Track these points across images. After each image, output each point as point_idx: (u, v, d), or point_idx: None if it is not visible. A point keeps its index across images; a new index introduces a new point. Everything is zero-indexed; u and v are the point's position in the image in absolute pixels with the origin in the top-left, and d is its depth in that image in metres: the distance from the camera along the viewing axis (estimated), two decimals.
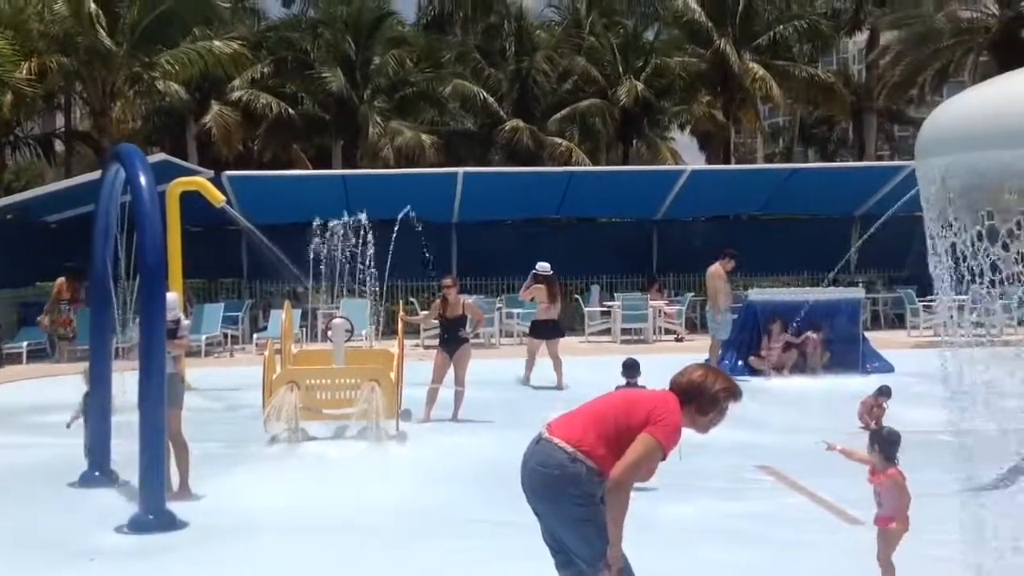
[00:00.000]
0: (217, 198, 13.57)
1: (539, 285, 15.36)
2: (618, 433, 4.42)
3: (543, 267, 15.52)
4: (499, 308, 21.03)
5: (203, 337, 18.62)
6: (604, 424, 4.46)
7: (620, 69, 35.09)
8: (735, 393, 4.68)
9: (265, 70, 33.95)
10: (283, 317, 12.14)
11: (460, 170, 22.40)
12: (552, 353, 14.92)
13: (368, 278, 14.73)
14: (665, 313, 21.66)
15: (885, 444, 5.60)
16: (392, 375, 10.43)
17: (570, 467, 4.39)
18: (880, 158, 43.12)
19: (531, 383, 14.75)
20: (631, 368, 9.13)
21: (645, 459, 4.39)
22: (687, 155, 43.65)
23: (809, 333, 15.74)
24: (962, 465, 4.76)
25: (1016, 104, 4.01)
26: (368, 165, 32.90)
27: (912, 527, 6.77)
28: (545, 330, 15.22)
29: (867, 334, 16.87)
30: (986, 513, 4.74)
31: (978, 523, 4.70)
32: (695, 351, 16.75)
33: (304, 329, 18.91)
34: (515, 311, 20.85)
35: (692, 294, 22.17)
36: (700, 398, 4.59)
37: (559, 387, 14.30)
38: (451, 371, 12.04)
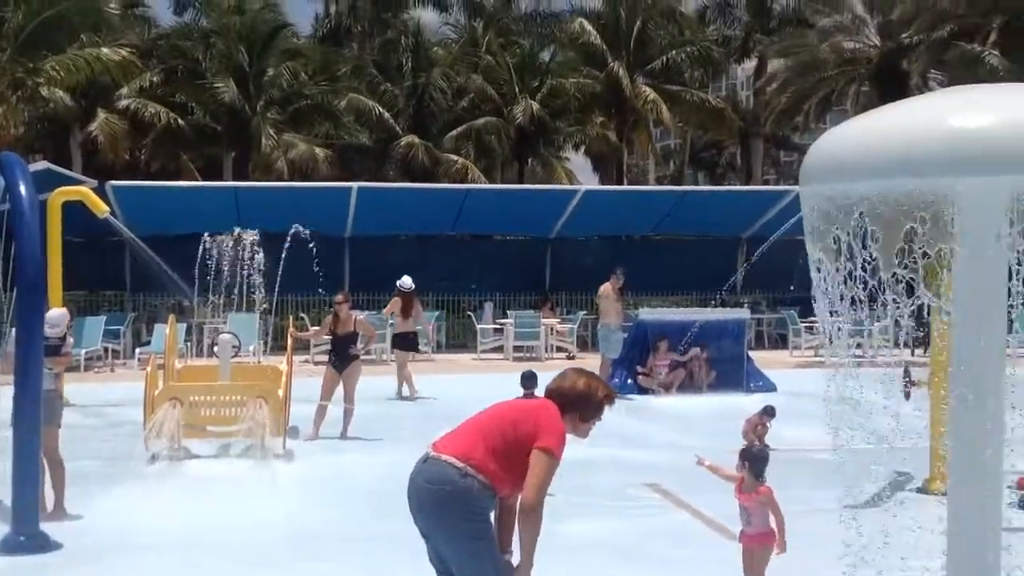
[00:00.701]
0: (100, 208, 13.20)
1: (396, 299, 15.63)
2: (506, 445, 4.41)
3: (405, 283, 15.89)
4: (391, 324, 20.91)
5: (83, 351, 18.05)
6: (492, 438, 4.44)
7: (516, 88, 35.35)
8: (613, 399, 4.76)
9: (155, 79, 33.12)
10: (167, 331, 11.84)
11: (354, 185, 22.26)
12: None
13: (257, 292, 14.50)
14: (557, 331, 21.82)
15: (755, 461, 5.60)
16: (280, 392, 10.26)
17: (461, 483, 4.36)
18: (767, 182, 44.37)
19: (414, 396, 14.93)
20: (529, 379, 9.22)
21: (549, 475, 4.43)
22: (581, 175, 44.17)
23: (696, 350, 16.05)
24: (841, 482, 4.88)
25: (887, 137, 4.13)
26: (260, 177, 32.42)
27: (793, 544, 6.94)
28: (403, 343, 15.71)
29: (751, 353, 17.27)
30: (864, 530, 4.86)
31: (857, 540, 4.82)
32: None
33: (189, 344, 18.49)
34: None
35: (584, 312, 22.39)
36: (585, 406, 4.61)
37: (405, 397, 14.96)
38: (340, 388, 11.91)
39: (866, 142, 4.22)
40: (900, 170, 4.08)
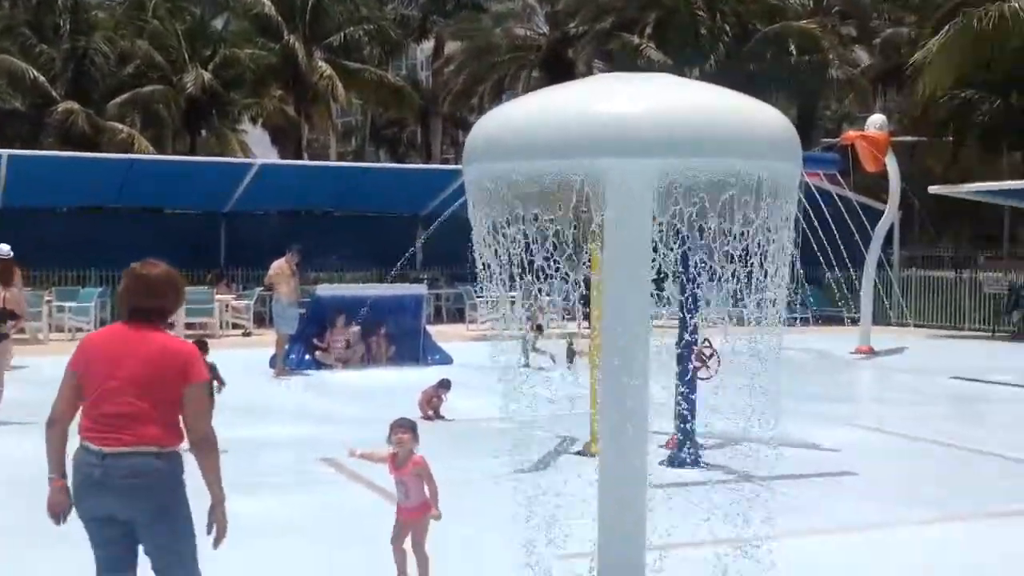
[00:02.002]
0: None
1: None
2: (163, 403, 4.13)
3: (2, 249, 14.89)
4: (48, 301, 19.59)
5: None
6: (149, 401, 4.11)
7: (186, 56, 33.92)
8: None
9: None
10: None
11: (5, 152, 20.57)
12: None
13: None
14: (233, 307, 21.24)
15: (416, 430, 5.63)
16: None
17: (163, 466, 4.08)
18: (446, 161, 45.23)
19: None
20: (201, 347, 9.09)
21: (209, 404, 4.36)
22: (259, 149, 43.09)
23: (381, 329, 16.21)
24: (512, 450, 5.10)
25: (536, 121, 4.35)
26: None
27: (464, 511, 7.19)
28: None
29: (429, 328, 17.64)
30: (534, 494, 5.10)
31: (527, 504, 5.05)
32: (263, 345, 16.63)
33: None
34: (67, 304, 19.51)
35: (261, 288, 21.93)
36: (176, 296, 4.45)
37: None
38: None
39: (517, 125, 4.43)
40: (547, 152, 4.31)
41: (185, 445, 4.18)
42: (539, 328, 13.76)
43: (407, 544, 5.59)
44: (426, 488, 5.55)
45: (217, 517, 4.22)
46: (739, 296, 4.89)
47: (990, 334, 23.12)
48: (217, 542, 4.25)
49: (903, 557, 6.24)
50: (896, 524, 7.06)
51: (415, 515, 5.54)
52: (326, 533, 6.77)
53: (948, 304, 25.04)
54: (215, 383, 9.82)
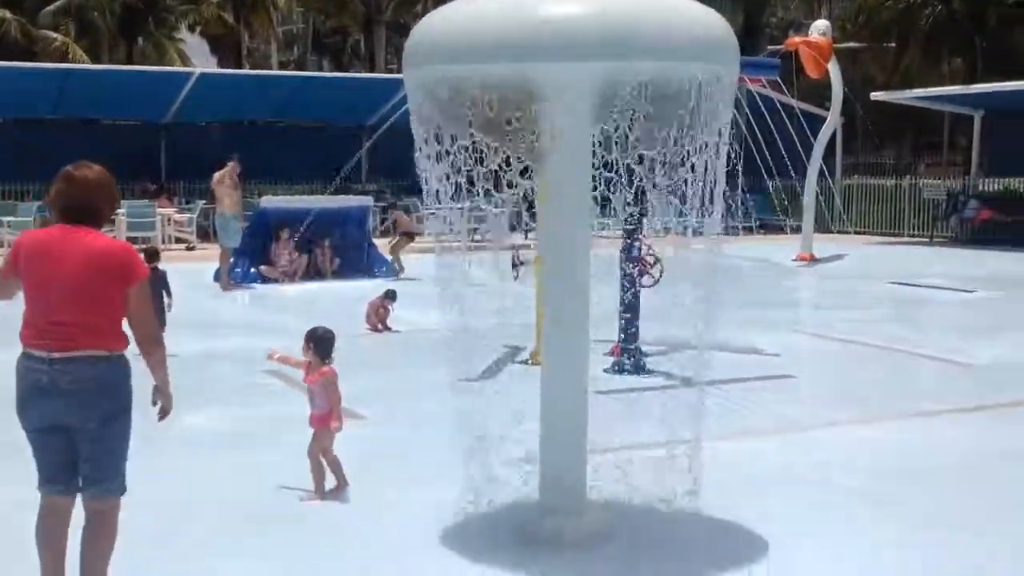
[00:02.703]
0: None
1: None
2: (107, 305, 4.09)
3: None
4: None
5: None
6: (96, 310, 4.07)
7: None
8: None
9: None
10: None
11: None
12: None
13: None
14: (175, 221, 20.97)
15: (320, 343, 5.66)
16: None
17: (106, 367, 4.05)
18: (390, 70, 44.50)
19: None
20: (152, 256, 9.26)
21: (150, 301, 4.34)
22: (198, 59, 42.04)
23: (326, 241, 16.12)
24: (457, 360, 5.16)
25: (478, 22, 4.30)
26: None
27: (409, 419, 7.29)
28: None
29: (375, 240, 17.58)
30: (475, 401, 5.20)
31: (469, 411, 5.14)
32: (207, 259, 16.49)
33: None
34: (5, 219, 19.19)
35: (204, 202, 21.66)
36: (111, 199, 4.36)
37: None
38: None
39: (458, 28, 4.37)
40: (492, 55, 4.27)
41: (133, 349, 4.16)
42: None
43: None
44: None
45: (162, 397, 4.25)
46: (682, 205, 4.95)
47: (928, 240, 23.56)
48: (162, 417, 4.28)
49: (838, 456, 6.45)
50: (833, 425, 7.28)
51: (321, 423, 5.63)
52: (275, 444, 6.82)
53: (888, 211, 25.43)
54: (167, 298, 9.81)
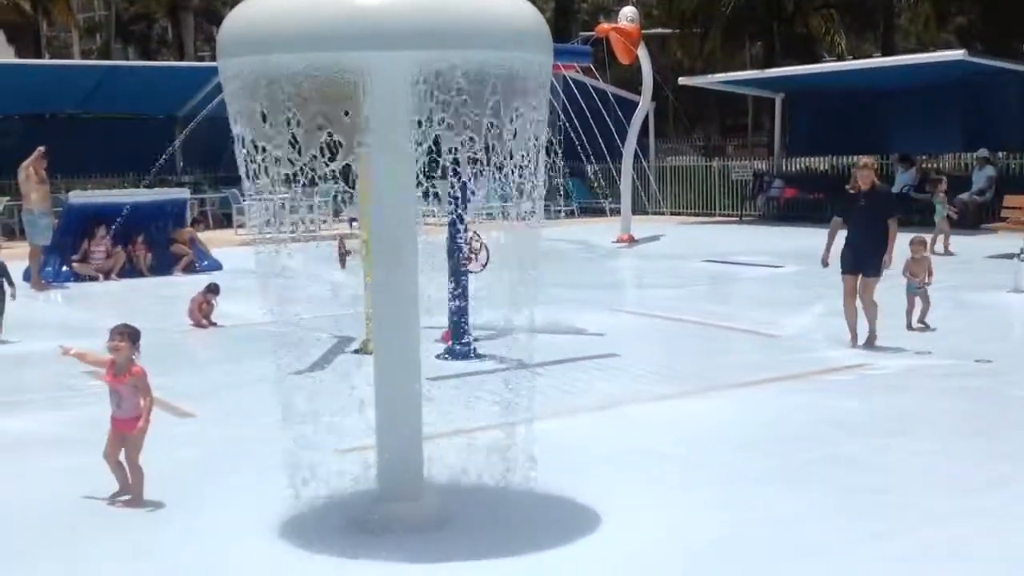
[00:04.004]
0: None
1: None
2: None
3: None
4: None
5: None
6: None
7: None
8: None
9: None
10: None
11: None
12: None
13: None
14: None
15: (136, 337, 5.41)
16: None
17: None
18: (200, 58, 43.14)
19: None
20: None
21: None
22: None
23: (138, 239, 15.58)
24: (287, 352, 5.12)
25: (292, 8, 4.27)
26: None
27: (238, 413, 7.17)
28: None
29: (196, 234, 17.11)
30: (306, 393, 5.17)
31: (299, 403, 5.12)
32: (15, 258, 15.65)
33: None
34: None
35: (8, 198, 20.55)
36: None
37: None
38: None
39: (275, 15, 4.32)
40: (307, 44, 4.25)
41: None
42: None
43: (121, 456, 5.43)
44: (142, 401, 5.36)
45: None
46: (506, 191, 5.06)
47: (738, 219, 24.63)
48: None
49: (663, 428, 6.73)
50: (656, 399, 7.58)
51: (127, 427, 5.35)
52: (94, 446, 6.61)
53: (700, 192, 26.44)
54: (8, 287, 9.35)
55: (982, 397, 7.54)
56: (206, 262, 16.20)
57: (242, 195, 21.95)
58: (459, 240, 8.49)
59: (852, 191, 9.16)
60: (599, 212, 24.65)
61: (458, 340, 8.79)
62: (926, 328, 9.73)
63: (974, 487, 5.48)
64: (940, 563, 4.48)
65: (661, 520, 5.05)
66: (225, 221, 22.94)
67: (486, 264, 10.53)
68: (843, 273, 9.11)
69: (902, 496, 5.37)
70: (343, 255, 13.81)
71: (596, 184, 24.37)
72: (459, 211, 7.86)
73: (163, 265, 15.82)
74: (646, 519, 5.05)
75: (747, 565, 4.51)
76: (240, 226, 21.47)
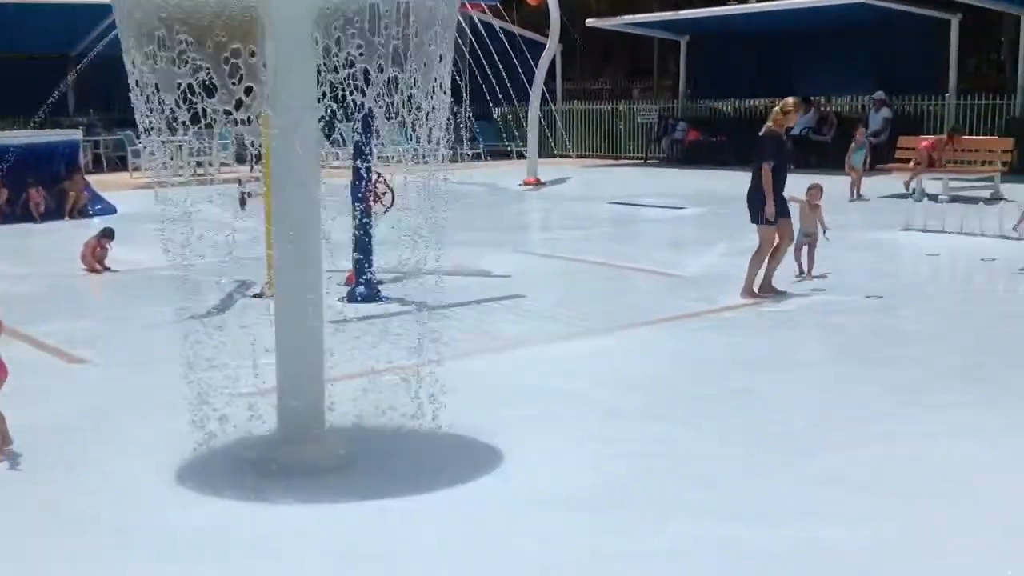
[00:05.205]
0: None
1: None
2: None
3: None
4: None
5: None
6: None
7: None
8: None
9: None
10: None
11: None
12: None
13: None
14: None
15: None
16: None
17: None
18: None
19: None
20: None
21: None
22: None
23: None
24: (181, 296, 5.02)
25: None
26: None
27: (136, 360, 7.03)
28: None
29: (90, 177, 16.62)
30: (200, 337, 5.07)
31: (196, 348, 5.03)
32: None
33: None
34: None
35: None
36: None
37: None
38: None
39: None
40: None
41: None
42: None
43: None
44: None
45: None
46: (411, 134, 4.99)
47: (643, 161, 24.83)
48: None
49: (568, 366, 6.79)
50: (562, 339, 7.64)
51: None
52: None
53: (606, 135, 26.55)
54: None
55: (873, 331, 7.78)
56: (100, 206, 15.76)
57: (137, 137, 21.40)
58: (363, 182, 8.38)
59: (781, 135, 8.85)
60: (506, 155, 24.61)
61: (362, 283, 8.72)
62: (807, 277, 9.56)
63: (865, 416, 5.67)
64: (835, 489, 4.62)
65: (565, 456, 5.12)
66: (120, 164, 22.29)
67: (391, 206, 10.45)
68: (781, 218, 8.77)
69: (797, 427, 5.52)
70: (243, 198, 13.55)
71: (504, 126, 24.29)
72: (363, 153, 7.77)
73: (55, 209, 15.33)
74: (550, 456, 5.11)
75: (648, 497, 4.60)
76: (135, 169, 20.92)
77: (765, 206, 8.65)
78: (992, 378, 6.43)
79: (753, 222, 8.85)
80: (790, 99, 9.03)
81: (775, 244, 8.83)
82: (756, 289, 8.82)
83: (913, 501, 4.49)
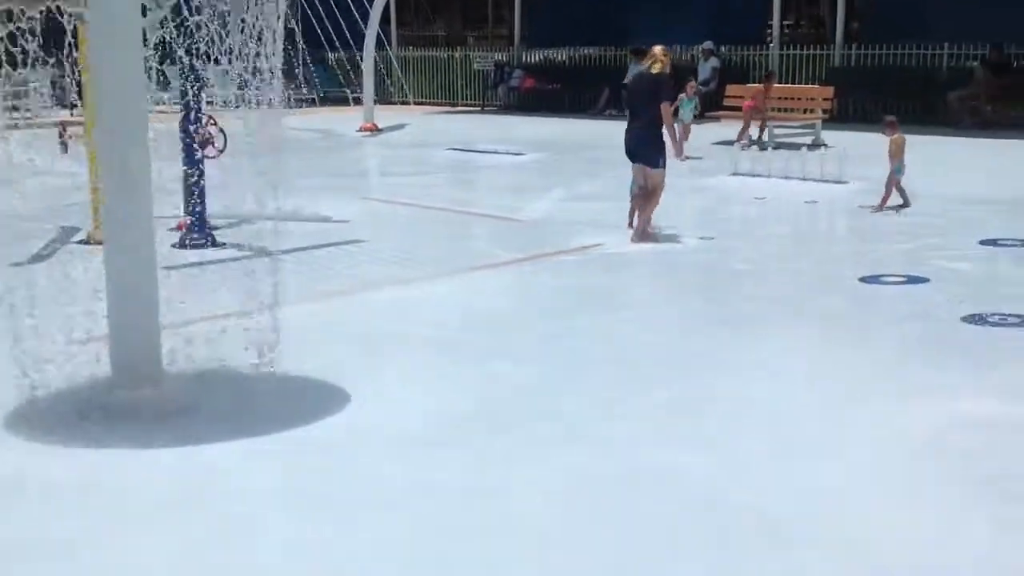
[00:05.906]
0: None
1: None
2: None
3: None
4: None
5: None
6: None
7: None
8: None
9: None
10: None
11: None
12: None
13: None
14: None
15: None
16: None
17: None
18: None
19: None
20: None
21: None
22: None
23: None
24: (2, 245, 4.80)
25: None
26: None
27: None
28: None
29: None
30: (23, 284, 4.87)
31: (20, 293, 4.83)
32: None
33: None
34: None
35: None
36: None
37: None
38: None
39: None
40: None
41: None
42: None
43: None
44: None
45: None
46: (243, 76, 4.87)
47: (480, 108, 24.86)
48: None
49: (409, 310, 6.81)
50: (402, 283, 7.64)
51: None
52: None
53: (443, 82, 26.43)
54: None
55: (706, 271, 8.08)
56: None
57: None
58: (193, 125, 8.13)
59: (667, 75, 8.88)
60: (343, 101, 24.21)
61: (195, 228, 8.49)
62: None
63: (698, 351, 5.90)
64: (669, 422, 4.80)
65: (409, 397, 5.14)
66: None
67: (223, 150, 10.18)
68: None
69: (640, 362, 5.70)
70: (64, 142, 12.98)
71: (340, 72, 23.85)
72: (193, 94, 7.53)
73: None
74: (394, 397, 5.13)
75: (491, 433, 4.68)
76: None
77: (665, 147, 8.73)
78: (811, 310, 6.81)
79: (648, 165, 8.86)
80: (658, 47, 9.07)
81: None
82: (649, 230, 8.98)
83: (742, 426, 4.72)
